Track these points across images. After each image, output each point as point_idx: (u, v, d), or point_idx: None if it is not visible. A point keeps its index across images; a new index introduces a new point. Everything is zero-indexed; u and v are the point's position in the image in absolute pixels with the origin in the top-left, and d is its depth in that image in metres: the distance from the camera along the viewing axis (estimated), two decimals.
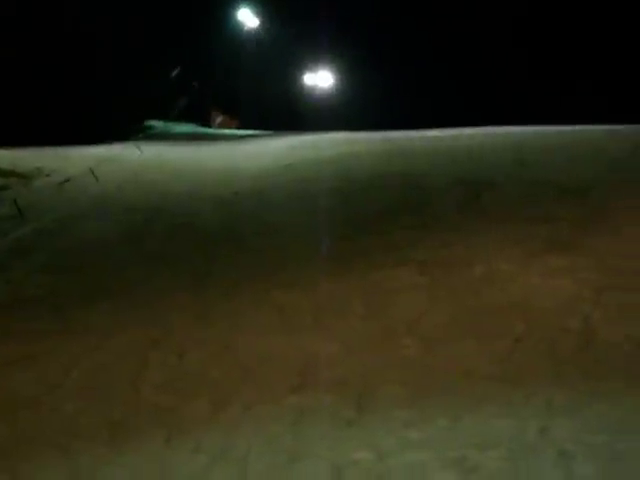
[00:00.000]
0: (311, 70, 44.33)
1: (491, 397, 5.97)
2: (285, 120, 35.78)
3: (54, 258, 11.17)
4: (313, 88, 44.37)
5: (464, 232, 10.18)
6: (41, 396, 6.82)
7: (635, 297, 7.53)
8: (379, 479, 5.02)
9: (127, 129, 29.06)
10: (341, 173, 15.25)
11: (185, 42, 36.15)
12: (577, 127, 20.85)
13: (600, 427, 5.30)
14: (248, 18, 42.36)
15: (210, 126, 38.61)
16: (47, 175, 17.13)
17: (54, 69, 28.18)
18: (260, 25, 42.41)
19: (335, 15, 39.04)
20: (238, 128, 37.79)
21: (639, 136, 17.20)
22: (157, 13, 33.17)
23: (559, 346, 6.75)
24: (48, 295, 9.62)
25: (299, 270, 9.56)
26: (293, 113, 39.45)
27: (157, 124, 34.11)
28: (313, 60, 43.30)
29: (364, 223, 11.42)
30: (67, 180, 16.35)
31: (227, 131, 35.50)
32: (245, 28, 42.28)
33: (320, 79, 44.36)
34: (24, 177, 16.79)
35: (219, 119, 40.20)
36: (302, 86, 44.53)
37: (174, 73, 35.78)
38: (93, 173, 16.89)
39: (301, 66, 43.93)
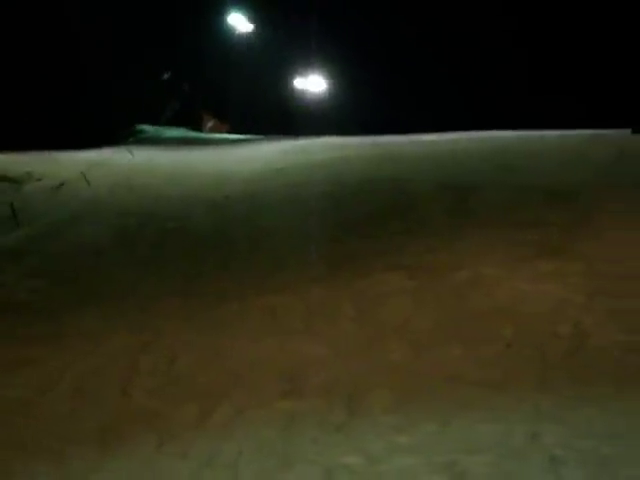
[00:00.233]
0: (302, 74, 44.34)
1: (479, 402, 6.00)
2: (276, 124, 35.77)
3: (47, 262, 11.17)
4: (304, 92, 44.38)
5: (451, 237, 10.22)
6: (33, 400, 6.84)
7: (624, 302, 7.57)
8: None
9: (117, 133, 29.02)
10: (332, 177, 15.26)
11: (176, 46, 36.14)
12: (562, 132, 20.92)
13: (589, 432, 5.34)
14: (239, 22, 42.34)
15: (201, 130, 38.57)
16: (38, 179, 17.09)
17: (42, 73, 28.13)
18: (251, 29, 42.41)
19: (326, 19, 39.08)
20: (229, 132, 37.76)
21: (624, 141, 17.27)
22: (147, 17, 33.14)
23: (548, 351, 6.79)
24: (40, 299, 9.62)
25: (290, 274, 9.58)
26: (284, 117, 39.44)
27: (148, 128, 34.03)
28: (304, 64, 43.31)
29: (354, 227, 11.44)
30: (62, 184, 16.33)
31: (218, 135, 35.45)
32: (236, 32, 42.27)
33: (311, 83, 44.35)
34: (15, 181, 16.76)
35: (210, 123, 40.16)
36: (293, 90, 44.53)
37: (165, 77, 35.76)
38: (85, 177, 16.87)
39: (292, 70, 43.93)
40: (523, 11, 36.95)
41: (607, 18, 33.64)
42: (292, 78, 44.19)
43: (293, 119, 39.39)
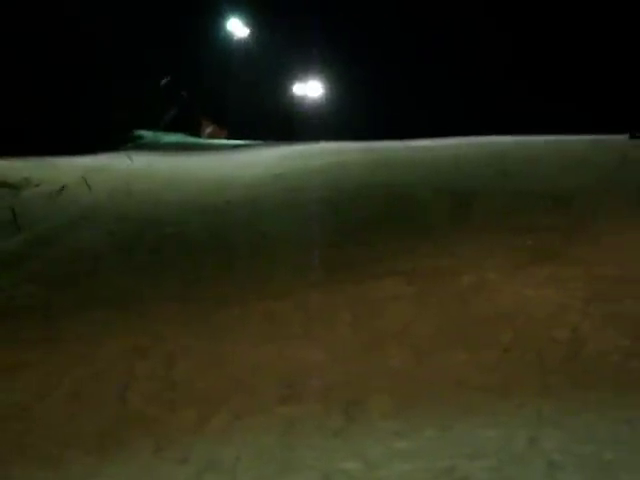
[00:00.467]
0: (301, 80, 44.38)
1: (479, 407, 5.99)
2: (275, 130, 35.81)
3: (45, 267, 11.16)
4: (303, 98, 44.42)
5: (450, 242, 10.23)
6: (31, 405, 6.81)
7: (622, 307, 7.58)
8: None
9: (116, 139, 29.00)
10: (330, 183, 15.29)
11: (174, 51, 36.16)
12: (561, 137, 20.96)
13: (588, 437, 5.32)
14: (238, 28, 42.40)
15: (200, 136, 38.58)
16: (36, 185, 17.07)
17: (40, 79, 28.12)
18: (250, 35, 42.46)
19: (325, 24, 39.14)
20: (227, 138, 37.78)
21: (622, 147, 17.32)
22: (147, 22, 33.16)
23: (547, 356, 6.78)
24: (39, 304, 9.61)
25: (289, 280, 9.58)
26: (283, 123, 39.47)
27: (146, 134, 34.02)
28: (303, 70, 43.36)
29: (352, 233, 11.45)
30: (62, 189, 16.31)
31: (217, 141, 35.47)
32: (235, 38, 42.31)
33: (310, 89, 44.41)
34: (13, 187, 16.74)
35: (209, 129, 40.18)
36: (292, 96, 44.57)
37: (163, 82, 35.77)
38: (86, 182, 16.86)
39: (291, 76, 43.98)
40: (523, 17, 37.01)
41: (606, 24, 33.70)
42: (291, 83, 44.25)
43: (292, 124, 39.43)
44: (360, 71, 39.56)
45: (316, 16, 38.54)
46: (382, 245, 10.47)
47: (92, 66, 29.44)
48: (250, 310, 8.55)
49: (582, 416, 5.67)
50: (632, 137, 19.80)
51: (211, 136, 39.10)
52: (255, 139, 33.31)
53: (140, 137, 33.41)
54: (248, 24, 42.40)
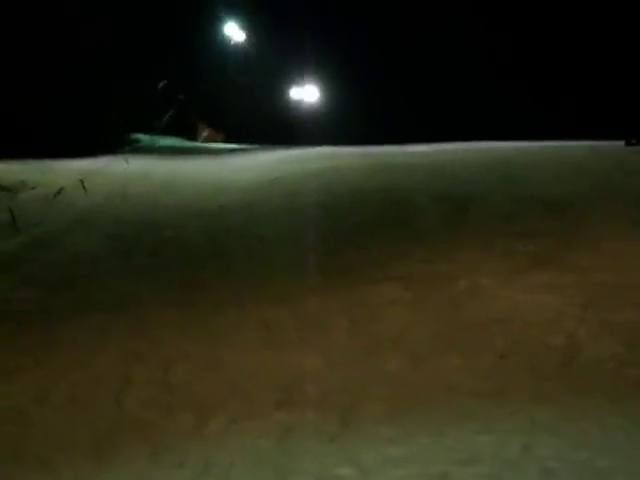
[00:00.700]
0: (298, 84, 44.40)
1: (474, 413, 6.01)
2: (271, 134, 35.80)
3: (42, 270, 11.15)
4: (300, 102, 44.44)
5: (447, 247, 10.24)
6: (28, 409, 6.82)
7: (618, 313, 7.60)
8: None
9: (112, 142, 28.95)
10: (325, 187, 15.29)
11: (172, 55, 36.15)
12: (560, 143, 20.99)
13: (583, 444, 5.34)
14: (235, 32, 42.42)
15: (196, 140, 38.56)
16: (32, 188, 17.06)
17: (36, 81, 28.07)
18: (247, 39, 42.48)
19: (322, 29, 39.17)
20: (224, 142, 37.78)
21: (621, 153, 17.36)
22: (144, 26, 33.15)
23: (543, 362, 6.80)
24: (36, 308, 9.60)
25: (285, 285, 9.58)
26: (280, 127, 39.46)
27: (143, 137, 33.97)
28: (300, 74, 43.37)
29: (349, 237, 11.45)
30: (59, 192, 16.29)
31: (214, 145, 35.47)
32: (232, 42, 42.32)
33: (307, 93, 44.43)
34: (9, 190, 16.73)
35: (205, 133, 40.16)
36: (289, 100, 44.59)
37: (160, 86, 35.76)
38: (83, 185, 16.84)
39: (288, 80, 44.00)
40: (522, 19, 37.05)
41: (605, 30, 33.76)
42: (288, 88, 44.27)
43: (288, 128, 39.44)
44: (358, 76, 39.60)
45: (313, 21, 38.56)
46: (379, 250, 10.48)
47: (90, 69, 29.40)
48: (247, 315, 8.56)
49: (577, 423, 5.69)
50: (628, 144, 19.87)
51: (207, 140, 39.08)
52: (251, 143, 33.30)
53: (136, 140, 33.35)
54: (245, 28, 42.43)
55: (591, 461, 5.08)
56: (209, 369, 7.32)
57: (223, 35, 42.33)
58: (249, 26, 42.21)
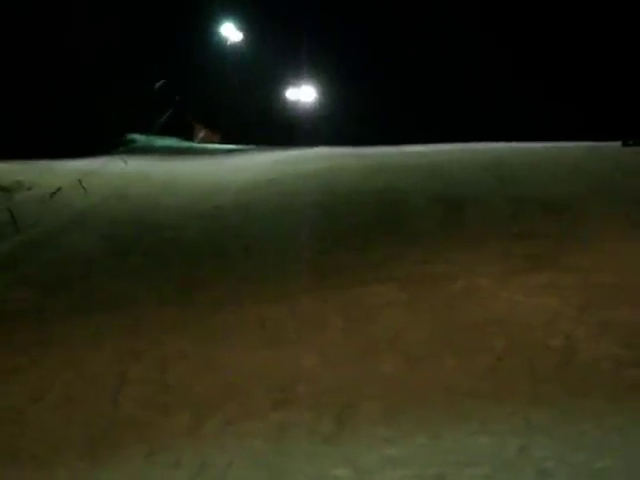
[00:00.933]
0: (294, 85, 44.43)
1: (471, 414, 6.00)
2: (268, 134, 35.81)
3: (39, 270, 11.14)
4: (296, 103, 44.46)
5: (443, 248, 10.24)
6: (24, 409, 6.81)
7: (616, 314, 7.58)
8: None
9: (109, 143, 28.93)
10: (322, 188, 15.29)
11: (169, 56, 36.17)
12: (557, 144, 20.99)
13: (580, 445, 5.33)
14: (231, 32, 42.42)
15: (192, 140, 38.55)
16: (28, 188, 17.03)
17: (34, 82, 28.07)
18: (243, 40, 42.49)
19: (319, 30, 39.19)
20: (220, 142, 37.77)
21: (619, 154, 17.36)
22: (141, 27, 33.16)
23: (540, 363, 6.79)
24: (32, 307, 9.59)
25: (282, 285, 9.58)
26: (276, 127, 39.48)
27: (139, 138, 33.95)
28: (296, 75, 43.40)
29: (346, 238, 11.45)
30: (55, 192, 16.25)
31: (210, 145, 35.46)
32: (228, 42, 42.32)
33: (303, 94, 44.46)
34: (5, 190, 16.70)
35: (201, 133, 40.16)
36: (285, 101, 44.62)
37: (157, 86, 35.75)
38: (82, 185, 16.81)
39: (284, 81, 44.04)
40: (522, 21, 37.10)
41: (603, 33, 33.81)
42: (284, 88, 44.28)
43: (285, 129, 39.45)
44: (355, 77, 39.61)
45: (309, 21, 38.59)
46: (376, 251, 10.47)
47: (88, 69, 29.42)
48: (245, 315, 8.56)
49: (574, 424, 5.67)
50: (625, 145, 19.88)
51: (204, 140, 39.08)
52: (248, 144, 33.30)
53: (133, 141, 33.34)
54: (242, 29, 42.43)
55: (589, 462, 5.07)
56: (206, 369, 7.31)
57: (220, 35, 42.32)
58: (246, 26, 42.22)
